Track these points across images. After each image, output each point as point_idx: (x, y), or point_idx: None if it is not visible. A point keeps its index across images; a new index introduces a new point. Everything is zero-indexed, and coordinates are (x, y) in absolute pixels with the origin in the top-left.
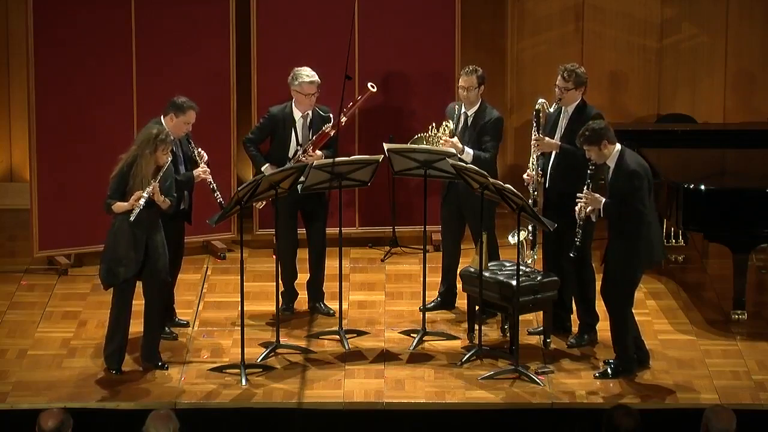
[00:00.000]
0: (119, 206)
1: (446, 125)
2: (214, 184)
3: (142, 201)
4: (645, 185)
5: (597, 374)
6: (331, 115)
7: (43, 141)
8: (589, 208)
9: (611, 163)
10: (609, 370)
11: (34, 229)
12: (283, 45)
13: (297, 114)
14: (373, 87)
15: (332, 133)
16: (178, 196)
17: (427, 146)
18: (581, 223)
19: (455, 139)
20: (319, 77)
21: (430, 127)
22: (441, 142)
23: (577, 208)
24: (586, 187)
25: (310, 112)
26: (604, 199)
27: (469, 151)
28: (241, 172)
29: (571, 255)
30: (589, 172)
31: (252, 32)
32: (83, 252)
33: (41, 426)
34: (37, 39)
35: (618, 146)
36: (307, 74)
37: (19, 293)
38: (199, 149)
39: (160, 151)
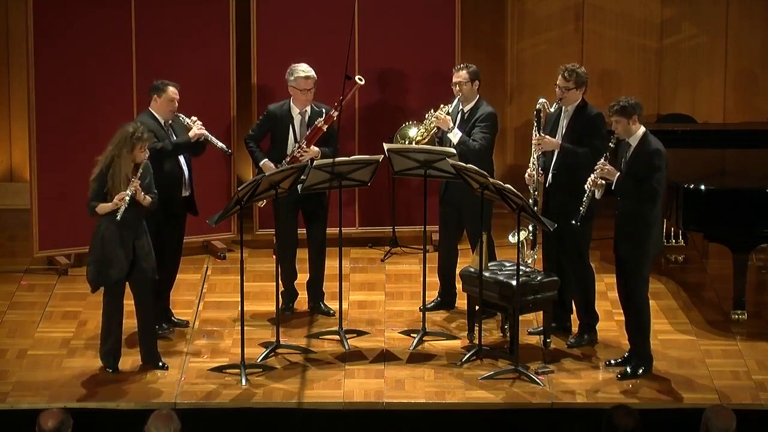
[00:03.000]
0: (103, 207)
1: (446, 107)
2: (211, 137)
3: (126, 199)
4: (665, 168)
5: (618, 376)
6: (324, 109)
7: (43, 141)
8: (600, 180)
9: (633, 142)
10: (628, 370)
11: (34, 229)
12: (283, 45)
13: (295, 111)
14: (360, 79)
15: (325, 128)
16: (176, 174)
17: (427, 146)
18: (589, 192)
19: (449, 117)
20: (319, 77)
21: (428, 113)
22: (434, 116)
23: (589, 178)
24: (603, 158)
25: (308, 110)
26: (618, 173)
27: (457, 132)
28: (241, 171)
29: (573, 222)
30: (610, 144)
31: (252, 32)
32: (83, 252)
33: (41, 426)
34: (37, 39)
35: (643, 128)
36: (302, 69)
37: (19, 293)
38: (192, 117)
39: (138, 149)
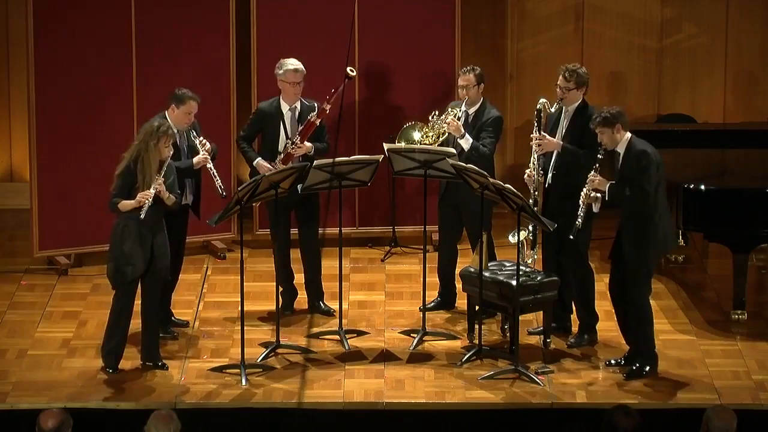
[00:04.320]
0: (126, 204)
1: (453, 111)
2: (215, 171)
3: (149, 198)
4: (653, 168)
5: (624, 376)
6: (316, 104)
7: (43, 141)
8: (593, 193)
9: (621, 150)
10: (634, 368)
11: (34, 229)
12: (283, 45)
13: (285, 107)
14: (352, 71)
15: (318, 122)
16: (180, 187)
17: (427, 146)
18: (584, 207)
19: (460, 123)
20: (319, 77)
21: (432, 115)
22: (446, 122)
23: (582, 193)
24: (593, 170)
25: (297, 105)
26: (609, 183)
27: (468, 138)
28: (241, 171)
29: (570, 237)
30: (599, 155)
31: (252, 33)
32: (83, 252)
33: (41, 426)
34: (37, 39)
35: (629, 134)
36: (291, 63)
37: (19, 293)
38: (201, 138)
39: (162, 143)
